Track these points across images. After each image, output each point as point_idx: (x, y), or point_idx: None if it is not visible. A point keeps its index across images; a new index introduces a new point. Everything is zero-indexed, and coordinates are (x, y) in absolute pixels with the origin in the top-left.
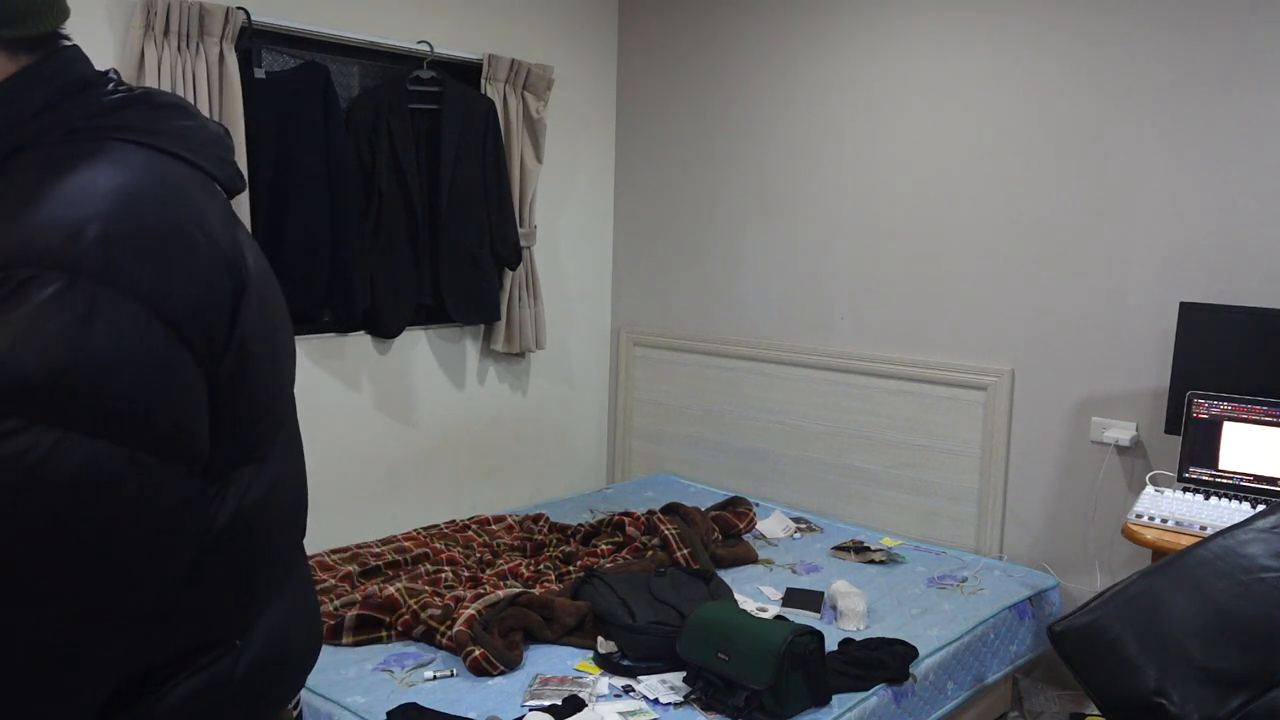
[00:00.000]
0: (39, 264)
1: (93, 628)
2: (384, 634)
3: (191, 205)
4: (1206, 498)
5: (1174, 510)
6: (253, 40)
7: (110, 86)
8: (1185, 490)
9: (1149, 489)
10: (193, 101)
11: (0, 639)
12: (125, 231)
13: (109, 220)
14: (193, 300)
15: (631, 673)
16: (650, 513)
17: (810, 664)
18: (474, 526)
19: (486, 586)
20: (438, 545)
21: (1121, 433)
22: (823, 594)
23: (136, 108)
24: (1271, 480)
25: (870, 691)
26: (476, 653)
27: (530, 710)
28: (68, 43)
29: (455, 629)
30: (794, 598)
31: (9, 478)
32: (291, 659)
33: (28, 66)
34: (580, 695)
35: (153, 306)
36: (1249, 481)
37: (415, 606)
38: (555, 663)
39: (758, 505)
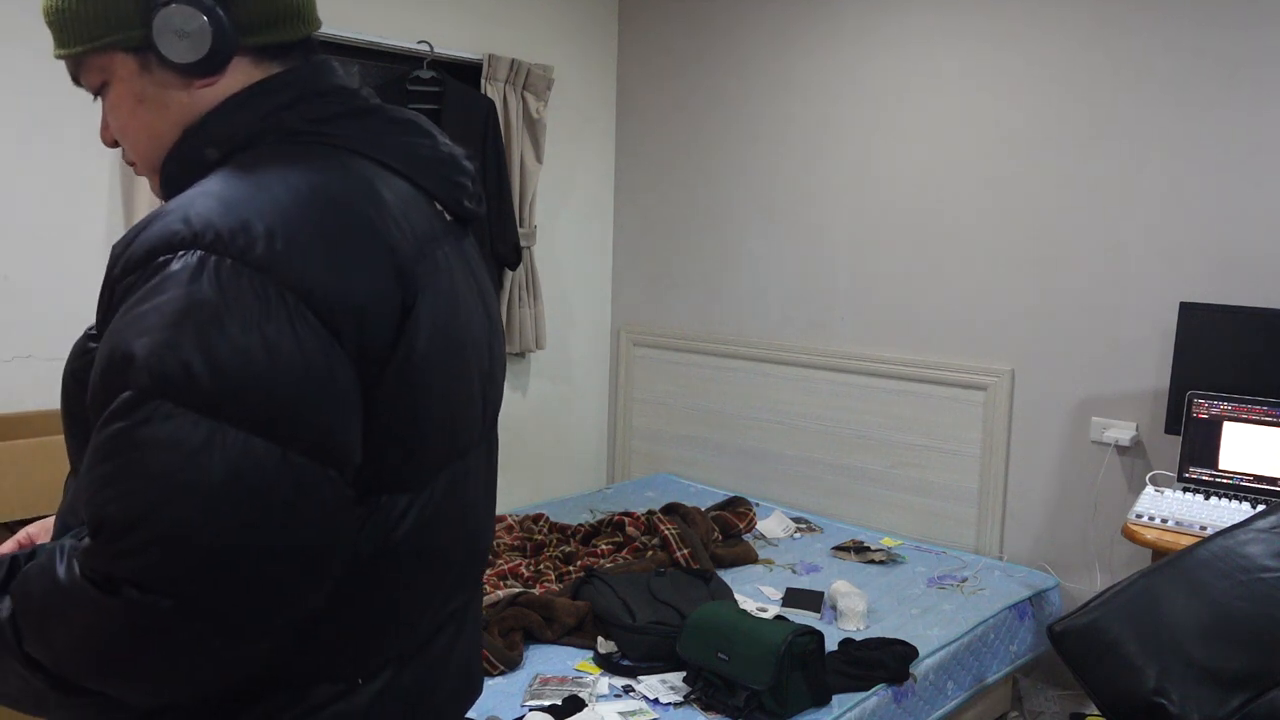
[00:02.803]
0: (208, 249)
1: (218, 633)
2: None
3: (373, 211)
4: (1206, 498)
5: (1174, 510)
6: None
7: (346, 100)
8: (1185, 490)
9: (1149, 489)
10: None
11: (125, 621)
12: (293, 228)
13: (276, 215)
14: (351, 300)
15: (631, 673)
16: (650, 513)
17: (810, 664)
18: None
19: (486, 586)
20: None
21: (1121, 433)
22: (823, 594)
23: (361, 119)
24: (1271, 480)
25: (870, 691)
26: None
27: (530, 710)
28: (319, 56)
29: None
30: (794, 598)
31: (162, 464)
32: (423, 715)
33: (274, 75)
34: (580, 695)
35: (308, 301)
36: (1249, 481)
37: None
38: (555, 663)
39: (758, 505)
